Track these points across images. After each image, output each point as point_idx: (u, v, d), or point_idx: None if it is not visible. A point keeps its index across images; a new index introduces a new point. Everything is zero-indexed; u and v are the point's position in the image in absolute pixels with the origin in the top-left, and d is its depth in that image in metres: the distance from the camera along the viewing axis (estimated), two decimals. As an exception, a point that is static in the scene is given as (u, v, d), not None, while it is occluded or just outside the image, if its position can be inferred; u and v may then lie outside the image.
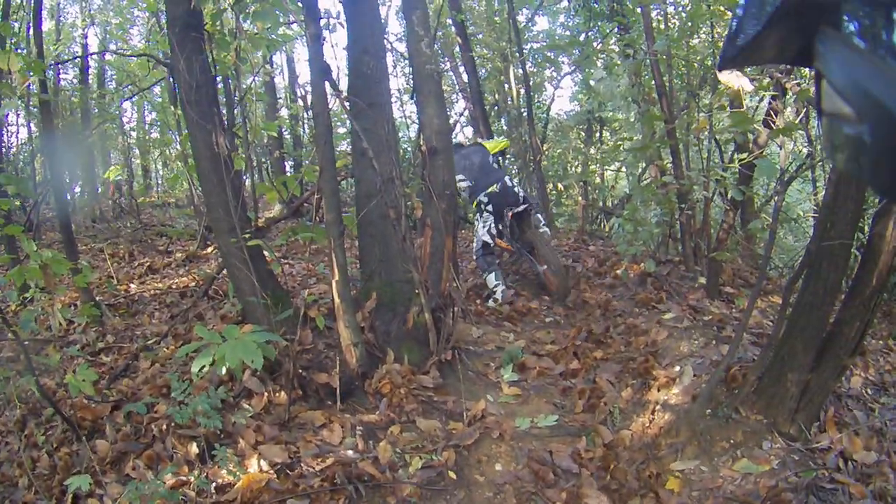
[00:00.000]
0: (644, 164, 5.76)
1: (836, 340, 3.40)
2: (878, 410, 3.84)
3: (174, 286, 6.15)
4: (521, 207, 5.98)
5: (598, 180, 8.96)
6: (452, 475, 3.52)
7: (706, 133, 5.42)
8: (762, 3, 0.62)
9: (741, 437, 3.58)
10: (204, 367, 3.49)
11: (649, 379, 4.18)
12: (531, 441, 3.82)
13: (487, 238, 5.89)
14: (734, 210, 5.04)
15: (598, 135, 8.90)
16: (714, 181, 4.87)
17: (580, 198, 8.21)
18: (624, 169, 9.36)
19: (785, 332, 3.58)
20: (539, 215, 6.21)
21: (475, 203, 6.02)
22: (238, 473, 3.34)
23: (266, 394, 3.93)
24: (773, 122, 4.66)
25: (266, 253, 4.44)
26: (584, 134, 9.04)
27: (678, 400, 3.92)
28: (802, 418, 3.56)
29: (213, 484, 3.35)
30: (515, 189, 6.00)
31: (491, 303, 5.64)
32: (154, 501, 3.08)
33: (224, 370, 3.52)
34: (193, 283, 5.97)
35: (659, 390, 4.04)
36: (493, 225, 5.92)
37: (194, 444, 3.55)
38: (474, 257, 6.02)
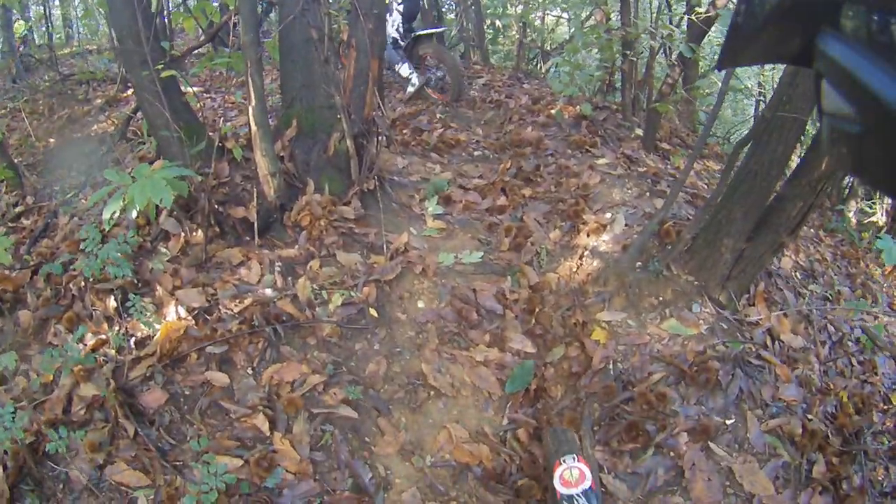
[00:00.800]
0: (590, 8, 5.17)
1: (777, 215, 3.32)
2: (807, 297, 3.91)
3: (93, 133, 5.53)
4: (434, 30, 6.21)
5: (538, 23, 8.26)
6: (373, 312, 3.27)
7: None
8: (762, 2, 0.62)
9: (670, 296, 3.54)
10: (115, 212, 2.99)
11: (579, 223, 4.01)
12: (455, 278, 3.62)
13: (396, 34, 5.97)
14: (680, 67, 4.71)
15: None
16: (661, 33, 4.47)
17: (517, 36, 7.55)
18: (565, 15, 8.75)
19: (725, 195, 3.45)
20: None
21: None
22: (155, 324, 3.05)
23: (183, 234, 3.52)
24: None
25: (182, 86, 3.88)
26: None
27: (608, 248, 3.79)
28: (733, 287, 3.55)
29: (133, 339, 3.06)
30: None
31: (410, 88, 5.90)
32: (68, 368, 2.81)
33: (135, 213, 3.00)
34: (112, 128, 5.21)
35: (588, 235, 3.90)
36: (400, 25, 5.98)
37: (111, 298, 3.20)
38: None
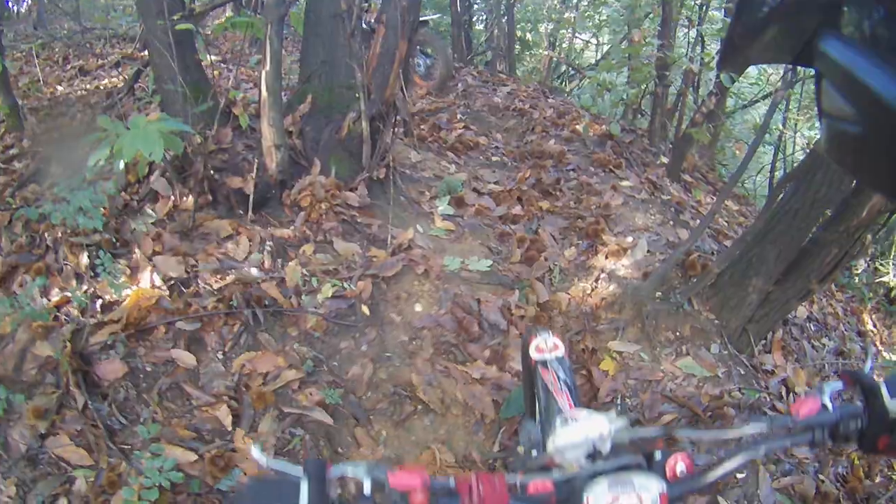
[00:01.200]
0: (627, 27, 4.92)
1: (810, 260, 3.09)
2: (823, 351, 3.68)
3: (103, 87, 5.27)
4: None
5: (566, 44, 8.05)
6: (366, 310, 2.97)
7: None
8: (762, 3, 0.61)
9: (688, 332, 3.28)
10: (100, 161, 2.73)
11: (598, 243, 3.73)
12: (459, 284, 3.31)
13: None
14: (718, 96, 4.47)
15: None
16: (700, 59, 4.23)
17: (545, 52, 7.34)
18: (594, 40, 8.58)
19: (759, 233, 3.18)
20: None
21: None
22: (124, 289, 2.74)
23: (172, 198, 3.23)
24: None
25: (197, 43, 3.67)
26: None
27: (627, 273, 3.51)
28: (753, 330, 3.31)
29: (99, 301, 2.74)
30: None
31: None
32: (15, 324, 2.51)
33: (122, 164, 2.71)
34: (123, 84, 4.98)
35: (607, 257, 3.61)
36: None
37: (85, 255, 2.90)
38: None
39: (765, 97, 6.16)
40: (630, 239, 3.77)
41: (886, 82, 0.49)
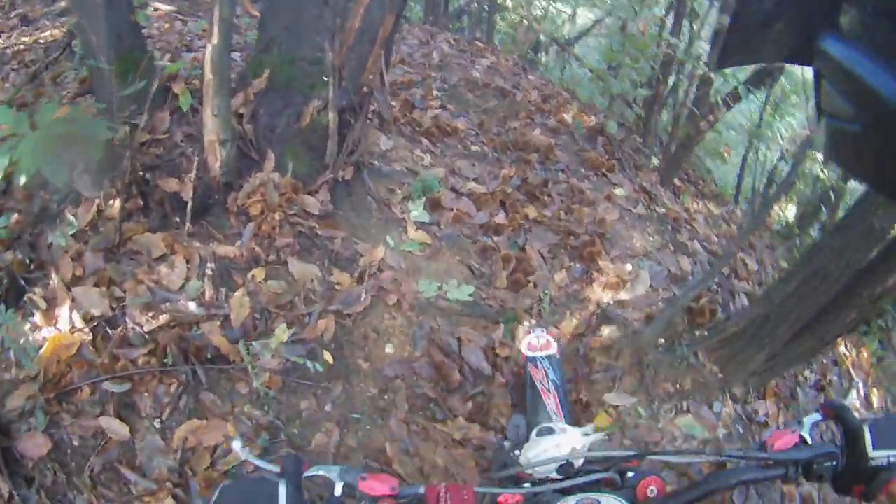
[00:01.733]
0: (637, 9, 4.32)
1: (825, 323, 2.79)
2: (804, 386, 3.43)
3: (43, 40, 4.38)
4: None
5: (537, 12, 7.39)
6: (328, 357, 2.44)
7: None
8: (762, 1, 0.59)
9: (690, 386, 2.95)
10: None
11: (593, 269, 3.28)
12: (435, 316, 2.82)
13: None
14: (729, 106, 4.04)
15: None
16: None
17: (521, 19, 6.69)
18: (568, 11, 7.97)
19: (786, 294, 2.83)
20: None
21: None
22: (40, 330, 2.23)
23: (97, 201, 2.56)
24: None
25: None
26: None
27: (628, 313, 3.07)
28: (754, 381, 3.06)
29: (12, 349, 2.15)
30: None
31: None
32: None
33: (23, 180, 2.04)
34: (64, 37, 4.10)
35: (604, 289, 3.16)
36: None
37: None
38: None
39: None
40: (629, 267, 3.34)
41: (886, 82, 0.46)
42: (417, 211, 3.27)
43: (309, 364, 2.32)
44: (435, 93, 4.48)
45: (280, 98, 2.97)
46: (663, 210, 3.98)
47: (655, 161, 4.58)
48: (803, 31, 0.58)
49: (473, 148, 4.00)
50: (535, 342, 1.91)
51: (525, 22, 7.40)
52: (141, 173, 2.59)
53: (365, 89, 2.91)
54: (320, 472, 0.89)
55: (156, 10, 4.66)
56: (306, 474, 0.87)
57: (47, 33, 4.46)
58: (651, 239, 3.59)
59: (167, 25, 4.50)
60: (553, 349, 1.91)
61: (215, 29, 2.40)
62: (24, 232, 2.56)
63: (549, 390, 1.81)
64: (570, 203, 3.70)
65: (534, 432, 1.13)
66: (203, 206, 2.66)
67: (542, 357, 1.87)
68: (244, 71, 3.13)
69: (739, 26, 0.62)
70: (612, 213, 3.64)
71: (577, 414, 2.74)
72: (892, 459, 0.93)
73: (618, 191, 3.89)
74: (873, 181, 0.56)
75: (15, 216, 2.58)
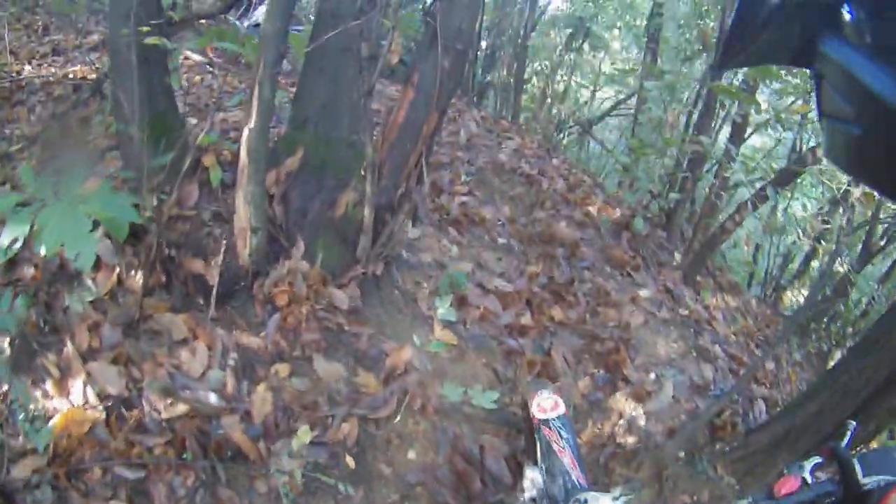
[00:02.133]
0: (667, 101, 4.40)
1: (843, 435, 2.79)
2: None
3: (73, 75, 4.41)
4: None
5: (564, 89, 7.58)
6: (350, 462, 2.40)
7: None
8: (762, 3, 0.60)
9: (707, 498, 2.88)
10: (17, 241, 2.06)
11: (617, 377, 3.26)
12: (459, 422, 2.80)
13: None
14: (757, 206, 4.09)
15: (580, 43, 7.45)
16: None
17: (549, 99, 6.85)
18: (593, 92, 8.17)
19: (808, 412, 2.83)
20: None
21: None
22: (51, 399, 2.17)
23: (118, 269, 2.54)
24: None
25: (170, 64, 3.03)
26: (565, 38, 7.56)
27: (648, 423, 3.05)
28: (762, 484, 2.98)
29: (21, 415, 2.12)
30: None
31: None
32: None
33: (43, 251, 2.08)
34: (95, 75, 4.20)
35: (627, 400, 3.13)
36: None
37: (6, 342, 2.27)
38: None
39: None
40: (653, 377, 3.32)
41: (886, 82, 0.48)
42: (444, 308, 3.27)
43: (331, 468, 2.31)
44: (463, 177, 4.56)
45: (313, 180, 2.99)
46: (686, 312, 3.98)
47: (678, 256, 4.60)
48: (804, 33, 0.59)
49: (500, 240, 4.04)
50: (545, 404, 1.96)
51: (548, 99, 7.54)
52: (166, 250, 2.62)
53: (404, 187, 2.97)
54: None
55: (186, 58, 4.68)
56: None
57: (77, 67, 4.53)
58: (674, 346, 3.58)
59: (197, 78, 4.55)
60: (562, 409, 1.95)
61: (254, 111, 2.45)
62: (39, 290, 2.50)
63: (563, 449, 1.86)
64: (595, 304, 3.70)
65: None
66: (228, 292, 2.68)
67: (553, 418, 1.91)
68: (276, 148, 3.12)
69: (741, 29, 0.63)
70: (637, 316, 3.64)
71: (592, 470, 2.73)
72: (881, 483, 1.07)
73: (643, 292, 3.90)
74: (873, 182, 0.56)
75: (32, 271, 2.51)
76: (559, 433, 1.89)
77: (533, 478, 1.81)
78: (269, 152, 3.04)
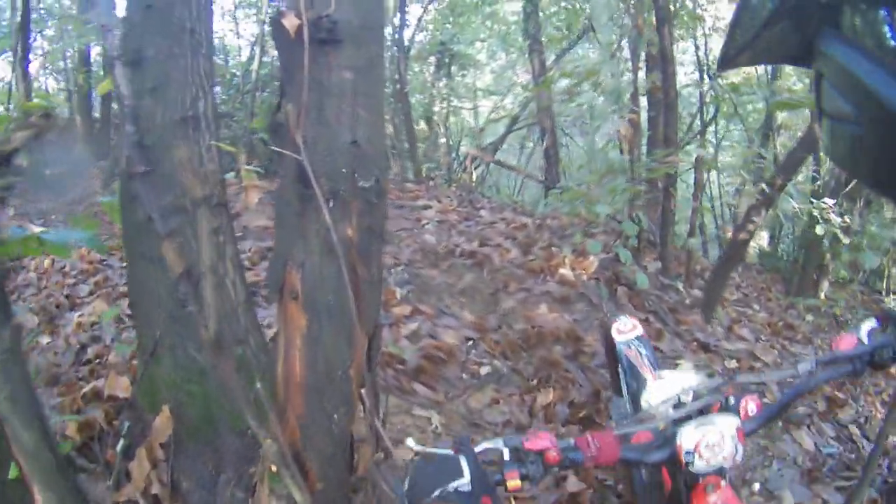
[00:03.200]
0: (613, 116, 3.48)
1: None
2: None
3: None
4: None
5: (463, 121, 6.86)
6: None
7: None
8: (762, 2, 0.59)
9: None
10: None
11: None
12: None
13: None
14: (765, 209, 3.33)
15: (448, 69, 6.86)
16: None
17: (444, 139, 6.03)
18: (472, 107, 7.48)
19: None
20: None
21: None
22: None
23: None
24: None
25: None
26: (433, 67, 6.93)
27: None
28: None
29: None
30: None
31: None
32: None
33: None
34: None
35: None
36: None
37: None
38: None
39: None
40: (756, 487, 2.45)
41: (886, 82, 0.47)
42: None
43: None
44: (398, 293, 3.49)
45: (205, 449, 1.83)
46: (734, 362, 3.13)
47: (680, 287, 3.75)
48: (804, 32, 0.57)
49: (484, 370, 3.03)
50: (623, 327, 1.95)
51: (440, 128, 6.69)
52: None
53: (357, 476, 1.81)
54: (489, 446, 0.99)
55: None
56: (477, 450, 0.97)
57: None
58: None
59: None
60: (639, 330, 1.95)
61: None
62: None
63: (644, 364, 1.85)
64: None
65: (647, 383, 1.25)
66: None
67: (632, 338, 1.92)
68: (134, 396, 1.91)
69: (741, 28, 0.61)
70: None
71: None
72: None
73: (680, 363, 3.02)
74: (874, 182, 0.55)
75: None
76: (639, 351, 1.90)
77: (620, 406, 1.85)
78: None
